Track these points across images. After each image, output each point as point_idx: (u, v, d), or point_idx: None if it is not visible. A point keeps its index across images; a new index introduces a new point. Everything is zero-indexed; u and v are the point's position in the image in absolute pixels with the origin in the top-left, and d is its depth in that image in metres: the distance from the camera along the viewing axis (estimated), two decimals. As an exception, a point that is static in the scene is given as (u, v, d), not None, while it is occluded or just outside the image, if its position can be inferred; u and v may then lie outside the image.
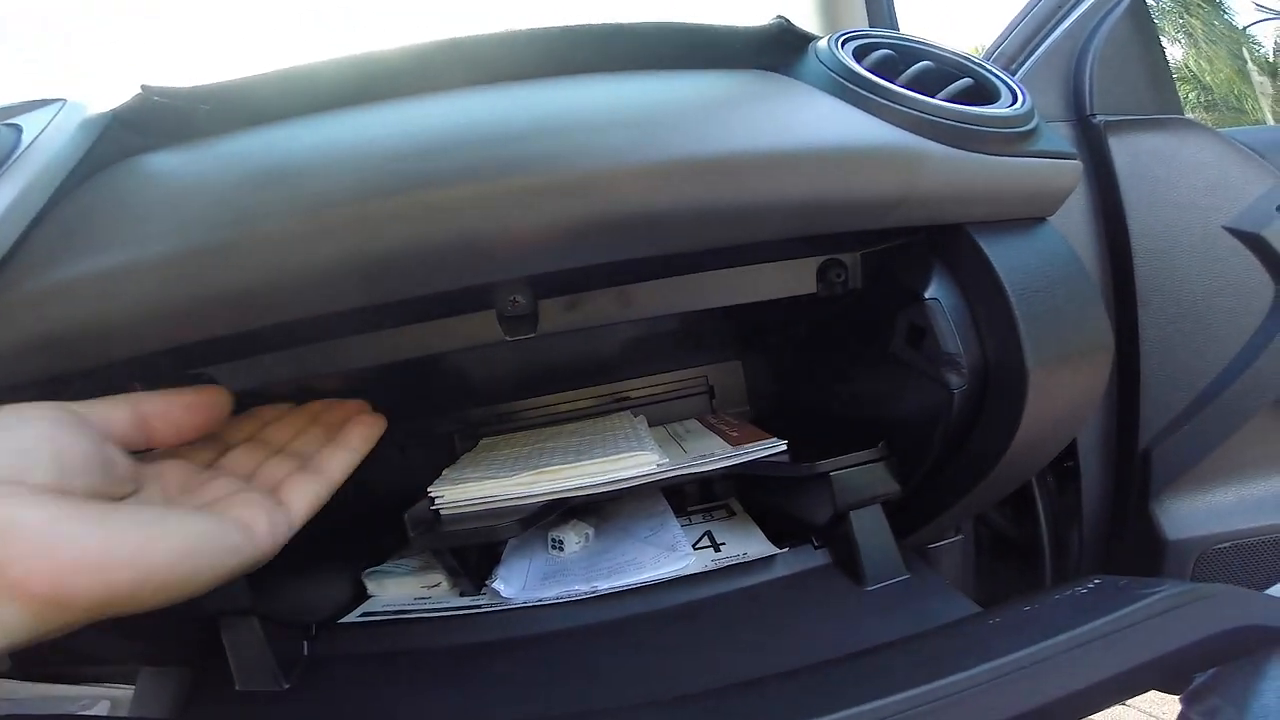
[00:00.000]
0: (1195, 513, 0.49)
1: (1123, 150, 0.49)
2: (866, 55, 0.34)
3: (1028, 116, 0.32)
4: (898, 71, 0.34)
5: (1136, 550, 0.50)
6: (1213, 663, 0.28)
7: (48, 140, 0.27)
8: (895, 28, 0.55)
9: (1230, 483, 0.49)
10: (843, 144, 0.28)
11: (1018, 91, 0.34)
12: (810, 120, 0.29)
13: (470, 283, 0.26)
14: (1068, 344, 0.30)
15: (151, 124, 0.30)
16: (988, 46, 0.54)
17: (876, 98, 0.30)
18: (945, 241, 0.32)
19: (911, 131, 0.29)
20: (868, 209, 0.28)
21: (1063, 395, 0.31)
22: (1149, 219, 0.47)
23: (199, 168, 0.28)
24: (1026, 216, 0.33)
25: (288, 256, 0.23)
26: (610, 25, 0.33)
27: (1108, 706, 0.23)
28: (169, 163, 0.28)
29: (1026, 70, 0.51)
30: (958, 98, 0.32)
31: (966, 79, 0.34)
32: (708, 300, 0.35)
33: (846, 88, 0.31)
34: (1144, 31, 0.53)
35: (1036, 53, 0.52)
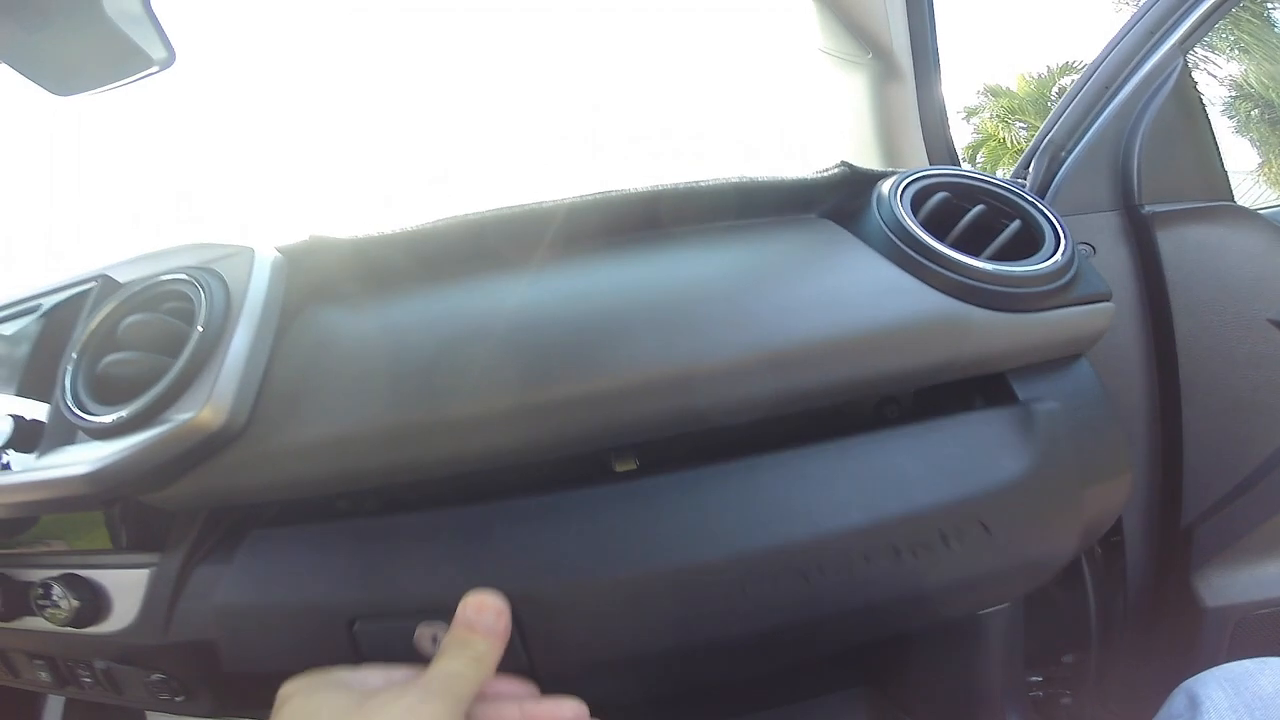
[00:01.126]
0: (1235, 583, 0.54)
1: (1170, 241, 0.52)
2: (924, 201, 0.40)
3: (1067, 267, 0.38)
4: (953, 217, 0.39)
5: (1177, 616, 0.55)
6: None
7: (255, 292, 0.35)
8: (952, 152, 0.60)
9: (1271, 555, 0.53)
10: (895, 322, 0.35)
11: (1061, 237, 0.39)
12: (866, 296, 0.36)
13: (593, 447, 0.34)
14: (1087, 469, 0.36)
15: (323, 271, 0.38)
16: (1041, 128, 0.58)
17: (927, 262, 0.37)
18: (985, 382, 0.38)
19: (958, 298, 0.36)
20: (916, 376, 0.35)
21: (1086, 509, 0.37)
22: (1195, 311, 0.51)
23: (387, 336, 0.35)
24: (1062, 357, 0.38)
25: (473, 435, 0.32)
26: (690, 186, 0.40)
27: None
28: (357, 325, 0.36)
29: (1075, 159, 0.55)
30: (1005, 248, 0.38)
31: (1016, 222, 0.39)
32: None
33: (900, 249, 0.37)
34: (1191, 111, 0.56)
35: (1085, 139, 0.55)
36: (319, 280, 0.38)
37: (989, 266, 0.37)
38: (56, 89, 0.44)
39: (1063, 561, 0.39)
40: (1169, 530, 0.54)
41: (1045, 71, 10.54)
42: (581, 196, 0.40)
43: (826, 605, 0.34)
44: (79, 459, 0.32)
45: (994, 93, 10.90)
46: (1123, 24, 0.56)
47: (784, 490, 0.33)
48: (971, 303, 0.36)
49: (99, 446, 0.32)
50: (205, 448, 0.31)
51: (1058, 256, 0.38)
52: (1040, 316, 0.37)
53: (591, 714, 0.30)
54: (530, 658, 0.33)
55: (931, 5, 0.55)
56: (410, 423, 0.32)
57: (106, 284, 0.39)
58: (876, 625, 0.41)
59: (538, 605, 0.32)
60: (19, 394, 0.38)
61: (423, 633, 0.33)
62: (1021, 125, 10.55)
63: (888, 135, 0.59)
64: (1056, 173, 0.55)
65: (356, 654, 0.34)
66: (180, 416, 0.31)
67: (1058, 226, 0.39)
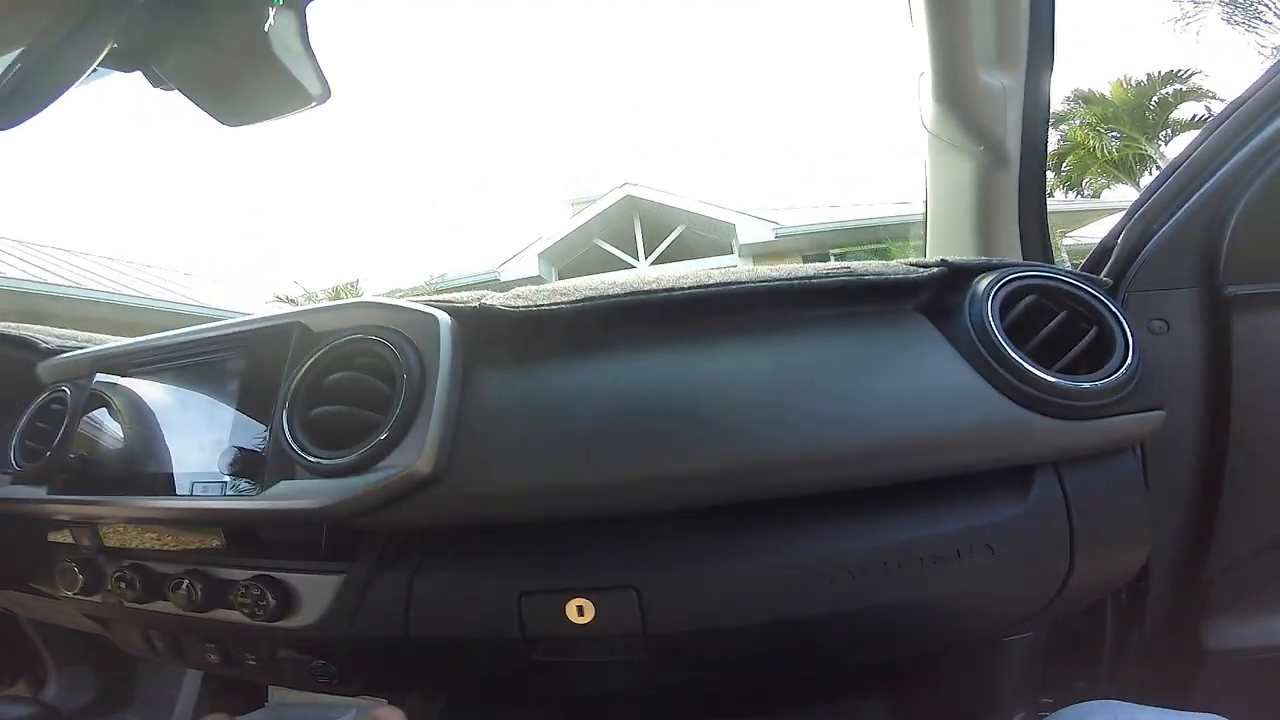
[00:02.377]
0: (1240, 630, 0.62)
1: (1245, 326, 0.57)
2: (1014, 304, 0.46)
3: (1130, 380, 0.44)
4: (1038, 318, 0.46)
5: (1181, 658, 0.64)
6: None
7: (444, 356, 0.44)
8: (1047, 244, 0.63)
9: (1277, 606, 0.61)
10: (966, 427, 0.43)
11: (1130, 350, 0.45)
12: (943, 400, 0.44)
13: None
14: (1114, 554, 0.45)
15: (485, 336, 0.47)
16: (1138, 198, 0.61)
17: (1004, 371, 0.44)
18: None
19: (1025, 407, 0.43)
20: (970, 468, 0.43)
21: (1107, 571, 0.45)
22: (1256, 397, 0.56)
23: (552, 401, 0.45)
24: (1109, 452, 0.46)
25: (624, 492, 0.42)
26: (804, 280, 0.47)
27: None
28: (523, 389, 0.46)
29: (1166, 231, 0.59)
30: (1080, 357, 0.45)
31: (1093, 331, 0.46)
32: None
33: (981, 355, 0.45)
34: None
35: (1180, 211, 0.59)
36: (480, 345, 0.47)
37: (1061, 382, 0.44)
38: (226, 119, 0.51)
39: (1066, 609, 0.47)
40: (1191, 579, 0.62)
41: (1145, 79, 9.91)
42: (704, 285, 0.48)
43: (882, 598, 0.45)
44: (307, 492, 0.43)
45: (1086, 99, 10.30)
46: (1231, 100, 0.58)
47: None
48: (1037, 411, 0.43)
49: (322, 483, 0.42)
50: (412, 490, 0.42)
51: (1122, 371, 0.45)
52: (1097, 423, 0.44)
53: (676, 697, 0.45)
54: (645, 626, 0.45)
55: (1049, 102, 0.58)
56: (577, 482, 0.42)
57: (303, 331, 0.48)
58: (919, 630, 0.52)
59: (654, 588, 0.45)
60: (233, 426, 0.48)
61: (571, 604, 0.45)
62: (1115, 135, 10.08)
63: (984, 218, 0.63)
64: (1146, 243, 0.59)
65: (520, 620, 0.46)
66: (398, 465, 0.41)
67: (1130, 340, 0.46)
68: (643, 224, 10.13)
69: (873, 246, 8.70)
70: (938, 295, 0.49)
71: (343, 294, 8.58)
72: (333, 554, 0.48)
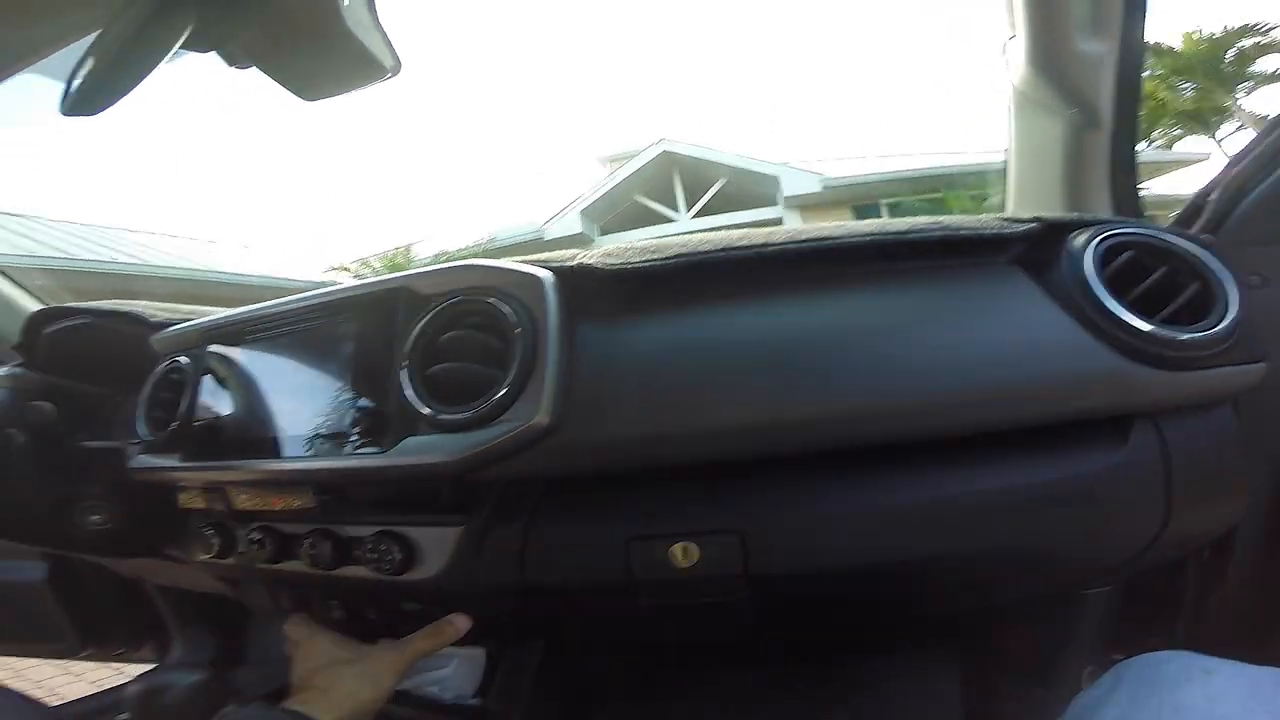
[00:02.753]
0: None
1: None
2: (1113, 258, 0.47)
3: (1233, 332, 0.45)
4: (1137, 272, 0.47)
5: (1263, 615, 0.64)
6: None
7: (551, 313, 0.47)
8: (1137, 202, 0.63)
9: None
10: (1068, 376, 0.44)
11: (1234, 303, 0.46)
12: (1043, 350, 0.45)
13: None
14: (1210, 507, 0.46)
15: (583, 292, 0.49)
16: (1231, 159, 0.61)
17: (1104, 322, 0.45)
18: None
19: (1127, 357, 0.44)
20: (1077, 417, 0.44)
21: (1202, 524, 0.46)
22: None
23: (657, 352, 0.47)
24: (1209, 404, 0.46)
25: (733, 439, 0.44)
26: (899, 233, 0.48)
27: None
28: (627, 342, 0.48)
29: (1262, 189, 0.58)
30: (1181, 310, 0.45)
31: (1195, 285, 0.46)
32: None
33: (1080, 307, 0.45)
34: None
35: (1277, 172, 0.58)
36: (579, 301, 0.49)
37: (1163, 332, 0.44)
38: (303, 94, 0.52)
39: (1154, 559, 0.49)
40: (1275, 549, 0.62)
41: (1218, 32, 9.61)
42: (798, 240, 0.49)
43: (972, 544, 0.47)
44: (433, 447, 0.46)
45: (1157, 51, 9.91)
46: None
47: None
48: (1139, 361, 0.44)
49: (447, 439, 0.45)
50: (532, 441, 0.44)
51: (1225, 324, 0.45)
52: (1198, 374, 0.45)
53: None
54: (746, 569, 0.47)
55: (1141, 63, 0.58)
56: (686, 429, 0.45)
57: (410, 294, 0.51)
58: (1010, 577, 0.54)
59: (757, 531, 0.47)
60: (350, 387, 0.51)
61: (675, 548, 0.47)
62: (1188, 87, 9.89)
63: (1073, 175, 0.63)
64: (1242, 200, 0.59)
65: (627, 564, 0.49)
66: (519, 417, 0.44)
67: (1232, 294, 0.46)
68: (682, 179, 10.25)
69: (928, 196, 8.57)
70: (1031, 249, 0.49)
71: (396, 259, 8.95)
72: (451, 507, 0.52)
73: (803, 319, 0.48)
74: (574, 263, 0.50)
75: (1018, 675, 0.82)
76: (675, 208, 10.26)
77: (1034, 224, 0.49)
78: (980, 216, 0.51)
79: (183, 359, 0.61)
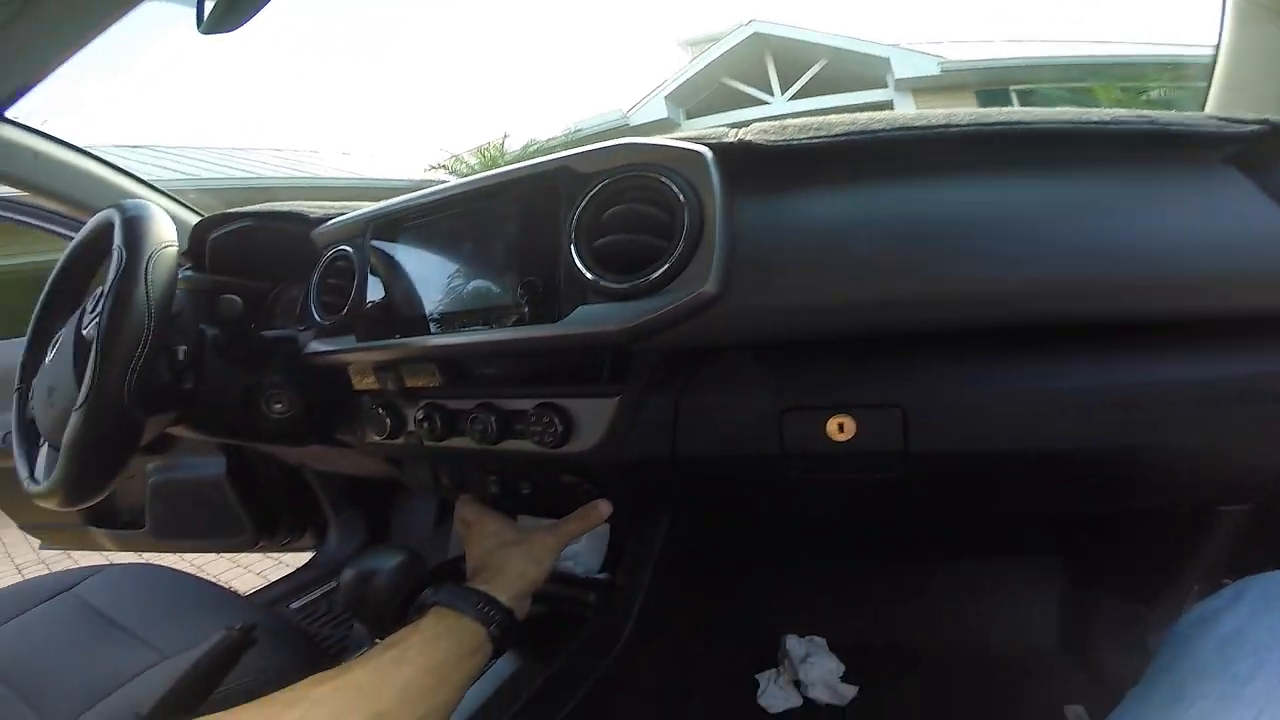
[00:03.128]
0: None
1: None
2: None
3: None
4: None
5: None
6: None
7: (715, 187, 0.47)
8: None
9: None
10: (1271, 269, 0.41)
11: None
12: (1249, 242, 0.41)
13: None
14: None
15: (742, 167, 0.49)
16: None
17: None
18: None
19: None
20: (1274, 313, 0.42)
21: None
22: None
23: (820, 224, 0.47)
24: None
25: (901, 310, 0.44)
26: (1106, 122, 0.45)
27: None
28: (787, 214, 0.48)
29: None
30: None
31: None
32: None
33: None
34: None
35: None
36: (740, 176, 0.49)
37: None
38: None
39: None
40: None
41: None
42: (988, 120, 0.47)
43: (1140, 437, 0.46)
44: (606, 316, 0.48)
45: None
46: None
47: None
48: None
49: (619, 307, 0.47)
50: (699, 309, 0.46)
51: None
52: None
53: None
54: (906, 445, 0.49)
55: None
56: (851, 299, 0.45)
57: (570, 173, 0.52)
58: (1170, 477, 0.53)
59: (920, 407, 0.48)
60: (517, 263, 0.54)
61: (831, 421, 0.49)
62: None
63: None
64: None
65: (780, 436, 0.50)
66: (688, 286, 0.45)
67: None
68: (776, 60, 9.90)
69: (1070, 85, 7.84)
70: (1248, 150, 0.44)
71: (488, 153, 9.21)
72: (610, 379, 0.55)
73: (980, 197, 0.45)
74: (734, 138, 0.49)
75: (1124, 591, 0.81)
76: (769, 90, 9.89)
77: (1262, 125, 0.44)
78: (1190, 114, 0.47)
79: (348, 247, 0.66)
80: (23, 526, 1.58)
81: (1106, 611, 0.82)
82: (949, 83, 8.66)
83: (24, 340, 1.27)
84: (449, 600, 0.51)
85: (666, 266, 0.46)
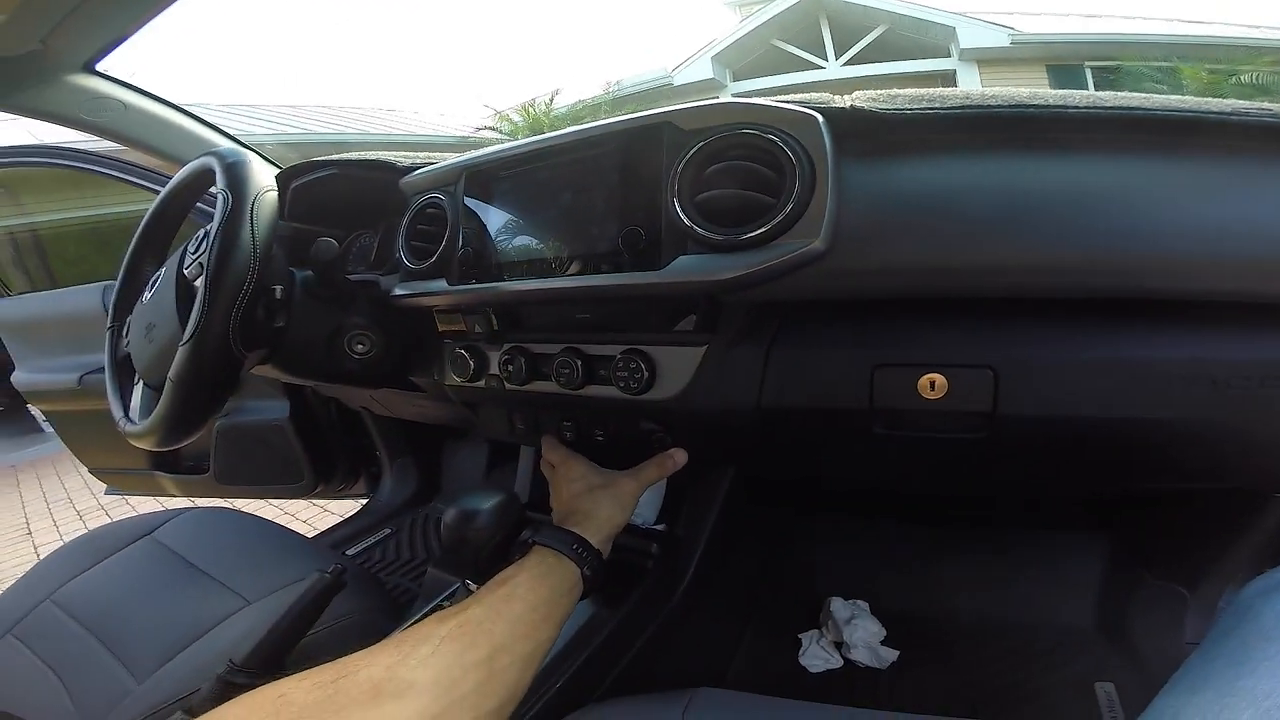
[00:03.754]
0: None
1: None
2: None
3: None
4: None
5: None
6: None
7: (826, 149, 0.48)
8: None
9: None
10: None
11: None
12: None
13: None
14: None
15: (858, 132, 0.50)
16: None
17: None
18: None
19: None
20: None
21: None
22: None
23: (926, 189, 0.48)
24: None
25: (1001, 276, 0.45)
26: (1215, 112, 0.45)
27: None
28: (912, 177, 0.48)
29: None
30: None
31: None
32: None
33: None
34: None
35: None
36: (849, 140, 0.50)
37: None
38: None
39: None
40: None
41: None
42: (1108, 104, 0.47)
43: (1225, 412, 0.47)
44: (708, 266, 0.49)
45: None
46: None
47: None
48: None
49: (723, 258, 0.49)
50: (804, 264, 0.47)
51: None
52: None
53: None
54: (996, 406, 0.50)
55: None
56: (955, 261, 0.46)
57: (673, 129, 0.53)
58: (1247, 457, 0.53)
59: (1012, 369, 0.49)
60: (617, 213, 0.55)
61: (923, 379, 0.50)
62: None
63: None
64: None
65: (870, 392, 0.52)
66: (796, 241, 0.47)
67: None
68: (831, 24, 9.82)
69: (1152, 63, 7.66)
70: None
71: (532, 111, 9.16)
72: (698, 328, 0.56)
73: (1090, 175, 0.46)
74: (845, 104, 0.50)
75: (1166, 572, 0.81)
76: (823, 55, 9.82)
77: None
78: None
79: (440, 195, 0.68)
80: (92, 470, 1.66)
81: (1146, 591, 0.83)
82: (1019, 55, 8.53)
83: (91, 287, 1.35)
84: (549, 541, 0.54)
85: (777, 221, 0.47)
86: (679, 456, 0.65)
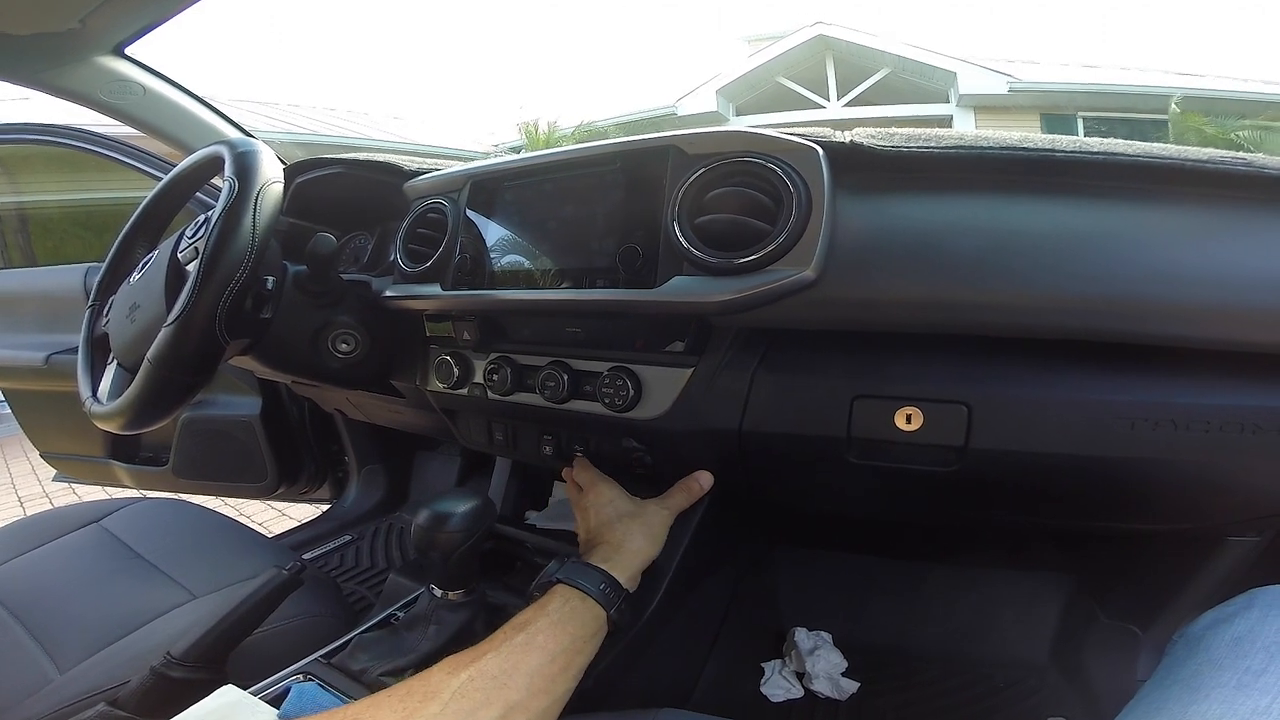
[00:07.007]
0: None
1: None
2: None
3: None
4: None
5: None
6: None
7: (823, 181, 0.50)
8: None
9: None
10: None
11: None
12: None
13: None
14: None
15: (854, 167, 0.52)
16: None
17: None
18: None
19: None
20: None
21: None
22: None
23: (914, 227, 0.50)
24: None
25: (985, 313, 0.47)
26: (1205, 161, 0.48)
27: None
28: (885, 215, 0.51)
29: None
30: None
31: None
32: None
33: None
34: None
35: None
36: (845, 174, 0.53)
37: None
38: None
39: None
40: None
41: None
42: (1090, 149, 0.50)
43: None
44: (702, 287, 0.51)
45: None
46: None
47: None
48: None
49: (716, 280, 0.51)
50: (794, 291, 0.49)
51: None
52: None
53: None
54: (968, 440, 0.52)
55: None
56: (939, 297, 0.48)
57: (678, 152, 0.55)
58: (1206, 498, 0.56)
59: (985, 405, 0.51)
60: (617, 231, 0.57)
61: (900, 412, 0.52)
62: None
63: None
64: None
65: (849, 421, 0.54)
66: (789, 268, 0.49)
67: None
68: (836, 65, 10.12)
69: (1146, 115, 7.98)
70: None
71: (530, 130, 9.29)
72: (687, 349, 0.58)
73: (1074, 218, 0.49)
74: (845, 140, 0.53)
75: (1121, 611, 0.84)
76: (825, 95, 10.11)
77: None
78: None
79: (443, 201, 0.69)
80: (44, 454, 1.60)
81: (1101, 630, 0.85)
82: (1015, 102, 8.84)
83: (73, 267, 1.32)
84: (575, 579, 0.51)
85: (770, 248, 0.49)
86: (704, 480, 0.64)
